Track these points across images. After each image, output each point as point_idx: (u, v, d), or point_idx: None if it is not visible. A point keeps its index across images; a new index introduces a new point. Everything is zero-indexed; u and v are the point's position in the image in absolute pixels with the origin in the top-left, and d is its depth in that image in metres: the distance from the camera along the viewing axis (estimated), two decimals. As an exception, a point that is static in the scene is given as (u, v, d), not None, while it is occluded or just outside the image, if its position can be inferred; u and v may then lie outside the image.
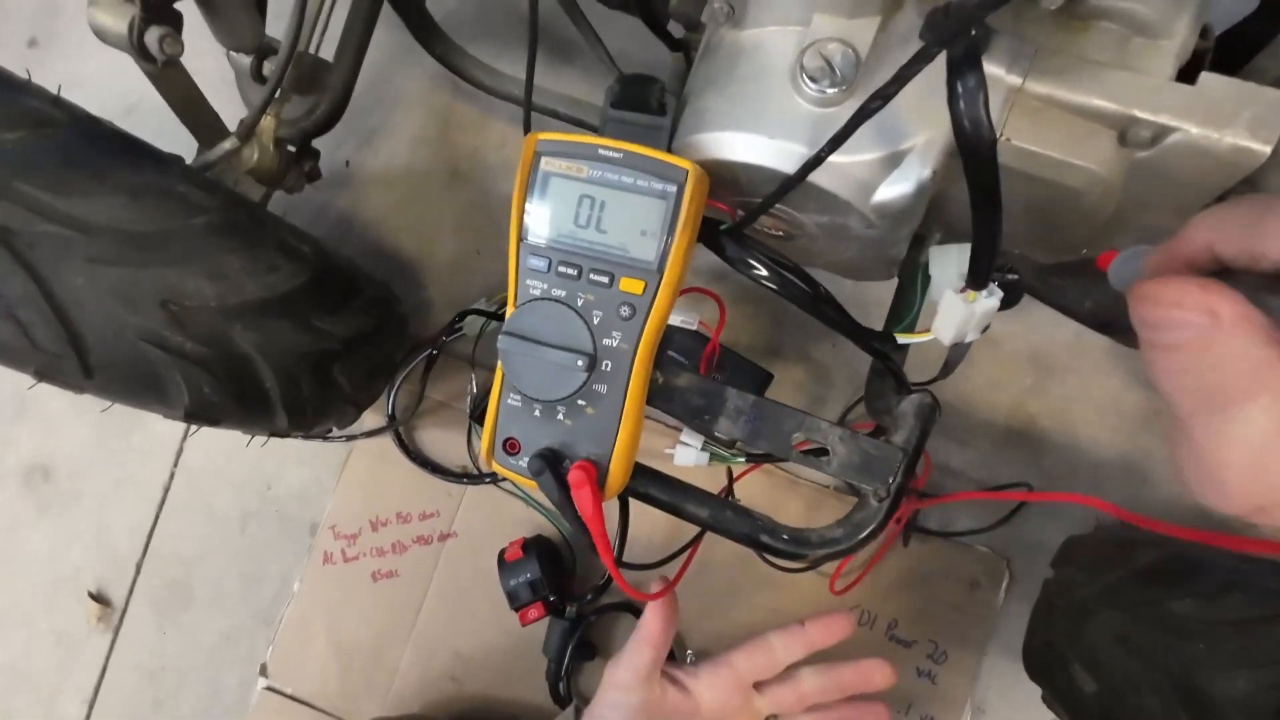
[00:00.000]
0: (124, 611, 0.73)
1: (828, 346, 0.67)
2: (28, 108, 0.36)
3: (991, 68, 0.29)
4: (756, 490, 0.64)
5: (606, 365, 0.33)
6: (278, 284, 0.42)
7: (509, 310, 0.35)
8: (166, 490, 0.74)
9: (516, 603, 0.61)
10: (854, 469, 0.37)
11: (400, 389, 0.67)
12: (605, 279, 0.33)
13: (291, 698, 0.67)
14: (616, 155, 0.32)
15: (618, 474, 0.35)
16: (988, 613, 0.62)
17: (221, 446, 0.73)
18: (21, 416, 0.77)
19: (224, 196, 0.41)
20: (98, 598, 0.72)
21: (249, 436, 0.60)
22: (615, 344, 0.33)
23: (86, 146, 0.37)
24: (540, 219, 0.33)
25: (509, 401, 0.35)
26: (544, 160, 0.33)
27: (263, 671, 0.68)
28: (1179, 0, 0.29)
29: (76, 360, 0.36)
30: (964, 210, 0.29)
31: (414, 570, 0.68)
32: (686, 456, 0.57)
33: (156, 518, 0.73)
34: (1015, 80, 0.30)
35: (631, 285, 0.32)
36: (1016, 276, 0.34)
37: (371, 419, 0.69)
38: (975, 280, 0.31)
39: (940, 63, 0.24)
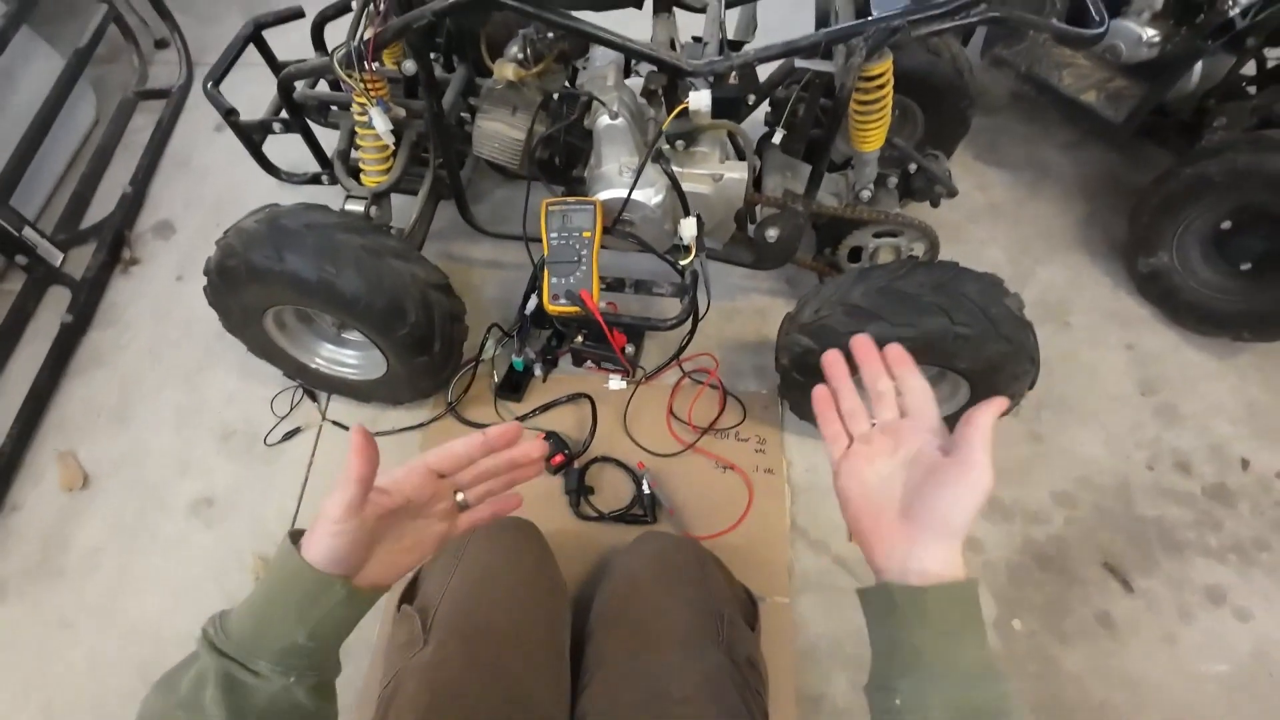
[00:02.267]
0: (281, 565, 1.08)
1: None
2: (355, 216, 0.99)
3: (668, 166, 1.06)
4: (644, 401, 1.25)
5: (583, 258, 0.99)
6: (437, 279, 1.03)
7: (545, 251, 1.00)
8: (304, 486, 1.16)
9: (548, 456, 1.12)
10: (678, 290, 1.05)
11: (454, 386, 1.22)
12: (577, 233, 1.00)
13: (413, 572, 1.06)
14: (573, 201, 1.02)
15: (595, 295, 0.99)
16: (776, 418, 1.25)
17: (339, 458, 1.19)
18: (185, 473, 1.17)
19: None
20: (262, 557, 1.08)
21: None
22: (584, 252, 1.00)
23: (377, 229, 0.99)
24: (551, 222, 1.01)
25: (552, 281, 0.99)
26: (550, 206, 1.02)
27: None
28: (714, 145, 1.09)
29: (386, 302, 0.93)
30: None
31: (478, 481, 1.15)
32: (615, 384, 1.22)
33: (299, 504, 1.14)
34: (678, 169, 1.06)
35: (586, 234, 1.00)
36: (699, 215, 1.07)
37: (431, 412, 1.22)
38: (685, 214, 1.04)
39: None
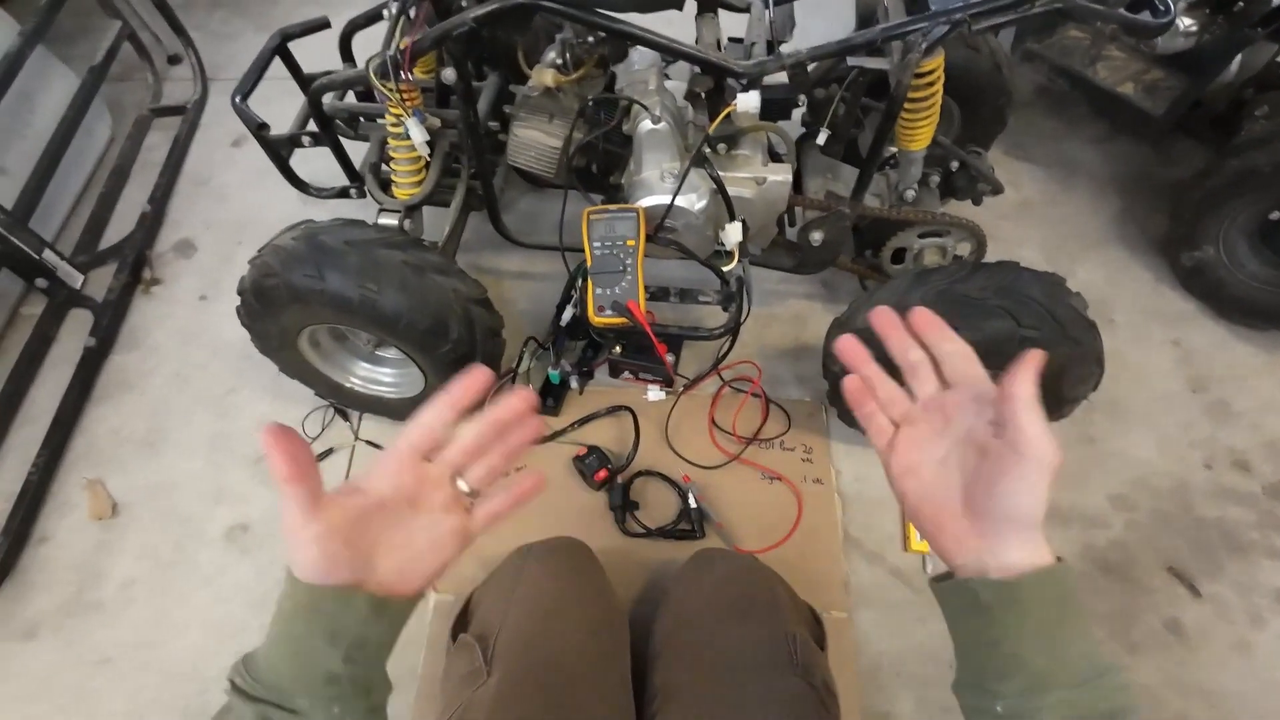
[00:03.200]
0: (321, 592, 1.04)
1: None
2: (393, 230, 0.96)
3: (713, 170, 1.03)
4: (685, 412, 1.22)
5: (629, 267, 0.96)
6: (478, 293, 1.00)
7: (589, 261, 0.97)
8: (340, 509, 1.12)
9: (592, 471, 1.09)
10: (723, 298, 1.02)
11: (490, 401, 1.19)
12: (621, 241, 0.97)
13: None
14: (615, 209, 0.99)
15: (641, 305, 0.96)
16: (821, 426, 1.21)
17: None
18: (219, 500, 1.13)
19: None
20: (303, 585, 1.04)
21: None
22: (629, 261, 0.97)
23: (417, 244, 0.96)
24: (594, 232, 0.98)
25: (596, 293, 0.96)
26: (592, 216, 0.99)
27: (434, 588, 1.04)
28: (755, 148, 1.06)
29: (430, 319, 0.90)
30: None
31: (519, 499, 1.12)
32: (654, 395, 1.18)
33: (335, 528, 1.10)
34: (721, 173, 1.03)
35: (630, 242, 0.97)
36: (743, 219, 1.04)
37: (472, 429, 1.18)
38: (730, 219, 1.01)
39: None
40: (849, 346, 0.48)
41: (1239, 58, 1.28)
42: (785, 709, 0.68)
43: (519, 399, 0.47)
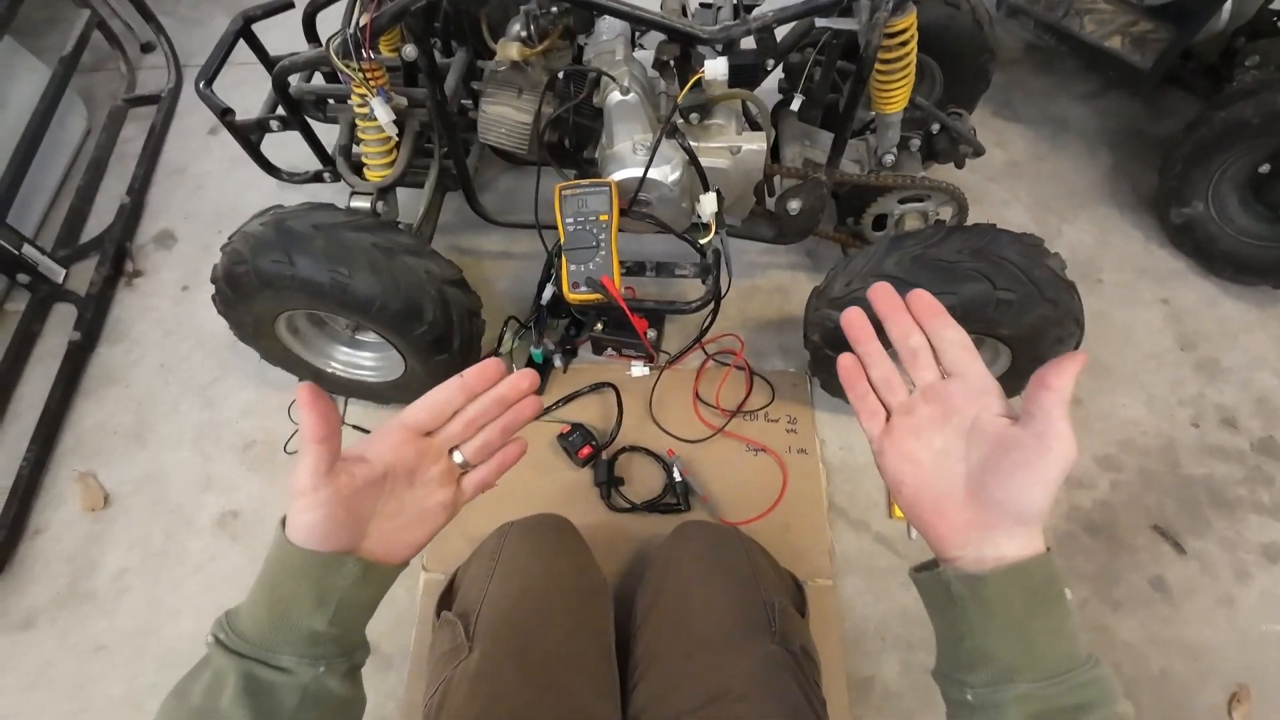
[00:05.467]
0: (312, 575, 1.06)
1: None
2: (363, 213, 0.95)
3: (684, 140, 1.01)
4: (669, 387, 1.22)
5: (602, 242, 0.95)
6: (453, 274, 0.99)
7: (561, 238, 0.96)
8: (328, 494, 1.13)
9: (575, 448, 1.10)
10: (700, 270, 1.01)
11: (473, 383, 1.19)
12: (594, 217, 0.96)
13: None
14: (587, 183, 0.98)
15: (616, 280, 0.95)
16: (805, 396, 1.21)
17: (360, 459, 1.16)
18: (208, 488, 1.14)
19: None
20: (293, 569, 1.06)
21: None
22: (602, 236, 0.96)
23: (387, 226, 0.96)
24: (566, 207, 0.97)
25: (570, 269, 0.95)
26: (563, 191, 0.98)
27: (423, 567, 1.05)
28: (729, 116, 1.04)
29: (403, 301, 0.90)
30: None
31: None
32: (638, 370, 1.18)
33: (324, 512, 1.11)
34: (694, 143, 1.02)
35: (603, 217, 0.96)
36: (718, 190, 1.03)
37: (456, 411, 1.18)
38: (704, 190, 0.99)
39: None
40: (855, 320, 0.46)
41: (1228, 5, 1.25)
42: (762, 674, 0.69)
43: (522, 377, 0.49)
